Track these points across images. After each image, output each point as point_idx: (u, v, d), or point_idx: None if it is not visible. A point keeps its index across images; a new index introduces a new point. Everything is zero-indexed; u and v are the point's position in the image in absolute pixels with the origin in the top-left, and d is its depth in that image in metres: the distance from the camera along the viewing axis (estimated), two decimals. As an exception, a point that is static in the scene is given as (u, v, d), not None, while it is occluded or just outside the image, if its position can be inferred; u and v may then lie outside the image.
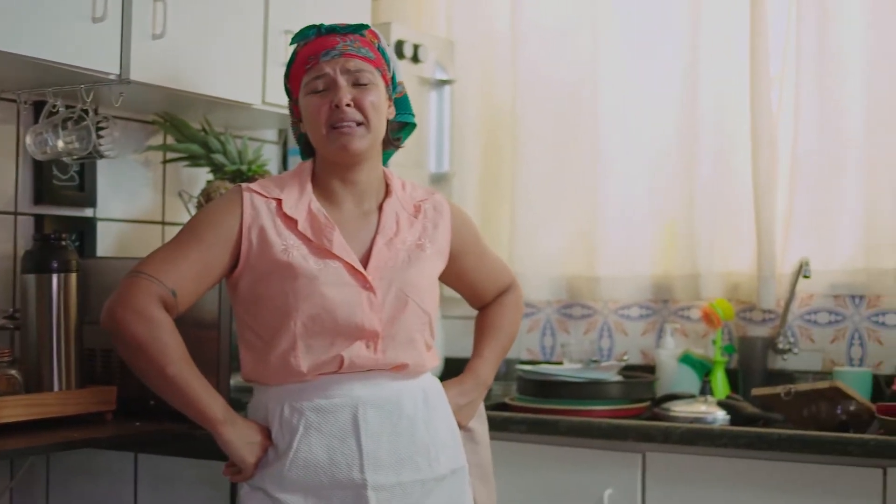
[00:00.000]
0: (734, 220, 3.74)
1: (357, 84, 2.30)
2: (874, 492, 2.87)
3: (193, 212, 3.24)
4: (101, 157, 3.01)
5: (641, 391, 3.50)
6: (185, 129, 3.26)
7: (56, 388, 2.77)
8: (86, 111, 2.94)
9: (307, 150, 2.43)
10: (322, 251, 2.26)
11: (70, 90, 2.90)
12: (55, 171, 3.16)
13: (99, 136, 2.99)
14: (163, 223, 3.48)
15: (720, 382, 3.65)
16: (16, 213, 3.09)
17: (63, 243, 2.84)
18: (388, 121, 2.39)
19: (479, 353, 2.58)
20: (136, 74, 2.84)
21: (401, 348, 2.29)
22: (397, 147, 2.51)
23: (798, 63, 3.63)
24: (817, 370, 3.64)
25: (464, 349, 2.68)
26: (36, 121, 2.99)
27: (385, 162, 2.48)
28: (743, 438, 3.03)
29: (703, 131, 3.76)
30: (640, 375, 3.64)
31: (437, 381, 2.43)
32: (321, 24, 2.35)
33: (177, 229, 2.41)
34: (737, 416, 3.28)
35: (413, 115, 2.50)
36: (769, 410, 3.30)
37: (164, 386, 2.21)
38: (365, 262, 2.29)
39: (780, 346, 3.66)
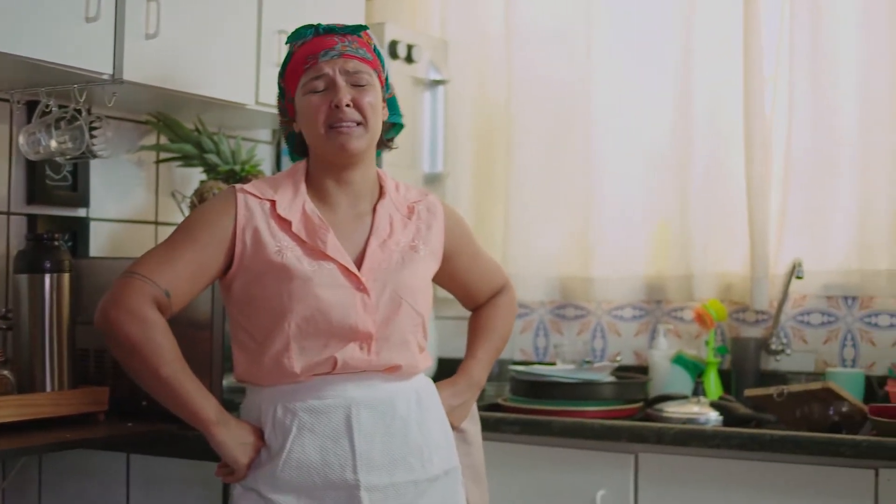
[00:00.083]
0: (727, 220, 3.75)
1: (356, 85, 2.31)
2: (866, 493, 2.87)
3: (187, 212, 3.24)
4: (95, 156, 3.01)
5: (634, 392, 3.50)
6: (179, 129, 3.26)
7: (48, 388, 2.76)
8: (79, 111, 2.94)
9: (298, 150, 2.43)
10: (316, 252, 2.26)
11: (63, 90, 2.89)
12: (48, 171, 3.15)
13: (92, 136, 2.98)
14: (156, 223, 3.48)
15: (713, 383, 3.65)
16: (8, 213, 3.08)
17: (56, 243, 2.83)
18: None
19: (472, 354, 2.59)
20: (129, 74, 2.84)
21: (394, 350, 2.30)
22: (390, 148, 2.51)
23: (791, 63, 3.63)
24: (810, 371, 3.65)
25: (457, 350, 2.68)
26: (29, 120, 2.99)
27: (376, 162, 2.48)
28: (735, 439, 3.03)
29: (696, 132, 3.76)
30: (632, 376, 3.64)
31: (431, 382, 2.44)
32: (319, 24, 2.35)
33: (170, 229, 2.41)
34: (729, 417, 3.28)
35: (401, 116, 2.50)
36: (762, 411, 3.30)
37: (158, 387, 2.21)
38: (359, 263, 2.29)
39: (773, 346, 3.66)
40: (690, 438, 3.09)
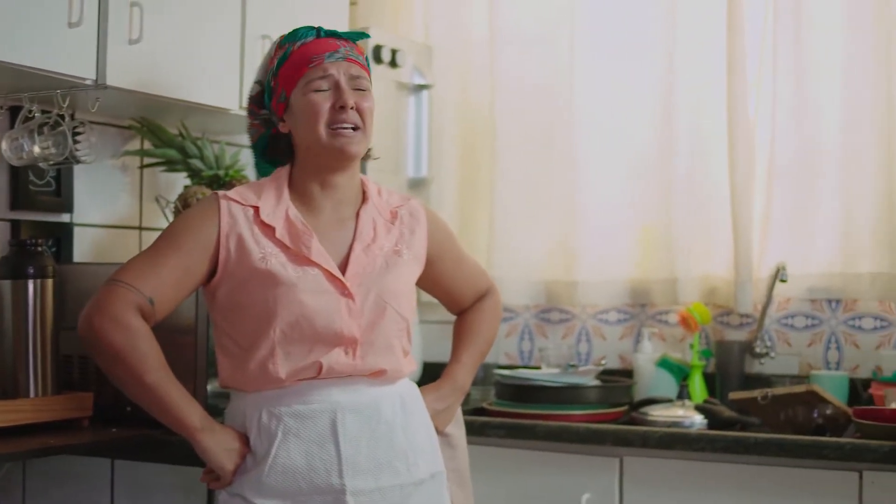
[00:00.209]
0: (711, 224, 3.76)
1: (357, 89, 2.31)
2: (850, 495, 2.88)
3: (171, 217, 3.23)
4: (78, 162, 3.01)
5: (619, 395, 3.51)
6: (163, 134, 3.26)
7: (32, 394, 2.76)
8: (62, 116, 2.93)
9: (275, 153, 2.41)
10: (300, 258, 2.26)
11: (46, 95, 2.89)
12: (31, 177, 3.14)
13: (75, 142, 2.98)
14: (140, 228, 3.47)
15: (697, 386, 3.66)
16: (-8, 219, 3.08)
17: (39, 249, 2.82)
18: None
19: (456, 359, 2.59)
20: (112, 79, 2.84)
21: (379, 354, 2.29)
22: (371, 158, 2.50)
23: (775, 68, 3.65)
24: (794, 374, 3.66)
25: (442, 354, 2.68)
26: (12, 126, 2.98)
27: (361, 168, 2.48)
28: (720, 442, 3.04)
29: (680, 136, 3.77)
30: (617, 380, 3.64)
31: (415, 386, 2.44)
32: (320, 27, 2.36)
33: (154, 235, 2.40)
34: (714, 420, 3.28)
35: None
36: (746, 414, 3.31)
37: (142, 394, 2.21)
38: (343, 268, 2.29)
39: (758, 350, 3.67)
40: (675, 442, 3.09)
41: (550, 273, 4.00)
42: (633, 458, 3.15)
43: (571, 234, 3.94)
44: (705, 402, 3.42)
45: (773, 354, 3.68)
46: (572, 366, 3.69)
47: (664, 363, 3.70)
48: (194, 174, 3.24)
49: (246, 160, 3.68)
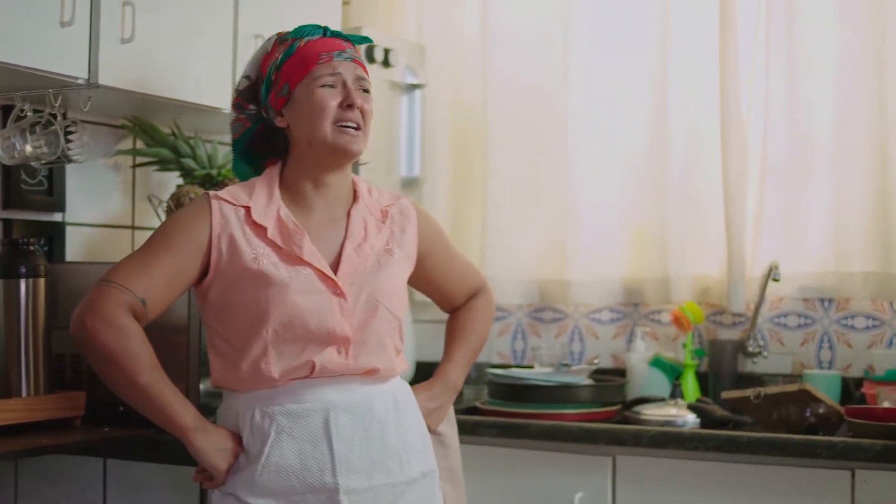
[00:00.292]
0: (704, 223, 3.76)
1: (361, 90, 2.33)
2: (843, 494, 2.89)
3: (163, 216, 3.23)
4: (70, 161, 3.00)
5: (612, 394, 3.51)
6: (155, 133, 3.25)
7: (24, 393, 2.75)
8: (54, 115, 2.92)
9: (265, 148, 2.40)
10: (292, 258, 2.26)
11: (38, 94, 2.88)
12: (24, 176, 3.14)
13: (68, 141, 2.97)
14: (132, 228, 3.47)
15: (690, 386, 3.66)
16: (-16, 218, 3.08)
17: (31, 248, 2.82)
18: None
19: (448, 357, 2.59)
20: (104, 79, 2.83)
21: (372, 353, 2.30)
22: (360, 163, 2.50)
23: (767, 66, 3.65)
24: (787, 373, 3.66)
25: (435, 353, 2.68)
26: (4, 125, 2.97)
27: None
28: (713, 441, 3.04)
29: (673, 135, 3.77)
30: (610, 379, 3.65)
31: (407, 385, 2.44)
32: (326, 27, 2.37)
33: (146, 234, 2.39)
34: (707, 419, 3.29)
35: None
36: (739, 413, 3.31)
37: (135, 395, 2.20)
38: (335, 267, 2.29)
39: (750, 349, 3.67)
40: (668, 441, 3.09)
41: (543, 272, 4.01)
42: (626, 457, 3.16)
43: (564, 234, 3.94)
44: (698, 401, 3.42)
45: (765, 353, 3.68)
46: (565, 365, 3.70)
47: (657, 362, 3.70)
48: (187, 173, 3.23)
49: (238, 159, 3.69)
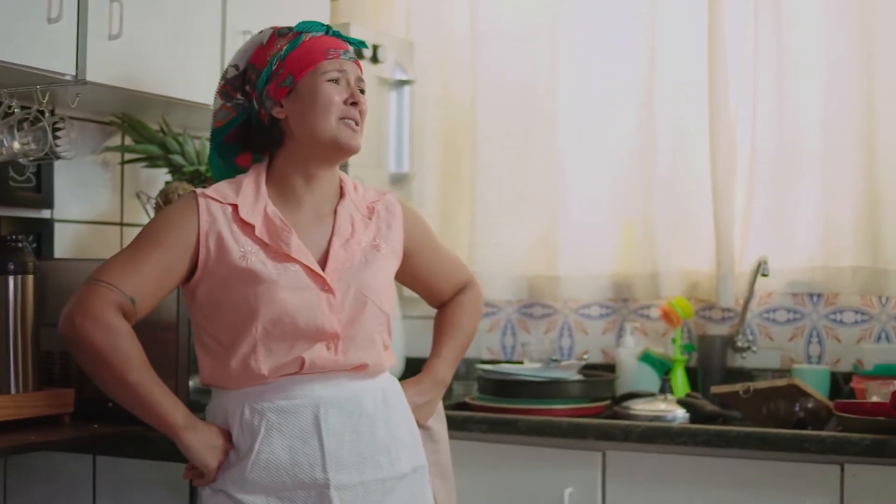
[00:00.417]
0: (693, 219, 3.76)
1: (359, 90, 2.35)
2: (832, 488, 2.89)
3: (152, 213, 3.22)
4: (58, 158, 3.00)
5: (601, 390, 3.51)
6: (143, 129, 3.25)
7: (13, 390, 2.74)
8: (42, 112, 2.92)
9: (253, 139, 2.40)
10: (280, 255, 2.26)
11: (26, 91, 2.87)
12: (11, 173, 3.13)
13: (55, 137, 2.97)
14: (121, 224, 3.46)
15: (680, 381, 3.66)
16: (-28, 215, 3.07)
17: (20, 245, 2.81)
18: None
19: (437, 353, 2.59)
20: (92, 75, 2.83)
21: (361, 349, 2.30)
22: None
23: (756, 63, 3.65)
24: (776, 368, 3.67)
25: (424, 349, 2.68)
26: (-9, 122, 2.97)
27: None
28: (702, 436, 3.04)
29: (661, 131, 3.78)
30: (600, 374, 3.65)
31: (396, 380, 2.44)
32: (329, 26, 2.38)
33: (135, 231, 2.39)
34: (696, 414, 3.29)
35: None
36: (728, 408, 3.32)
37: (125, 393, 2.20)
38: (322, 264, 2.29)
39: (739, 344, 3.68)
40: (657, 436, 3.10)
41: (532, 268, 4.01)
42: (616, 452, 3.16)
43: (553, 229, 3.94)
44: (687, 396, 3.43)
45: (754, 348, 3.69)
46: (555, 360, 3.70)
47: (646, 357, 3.70)
48: (175, 170, 3.23)
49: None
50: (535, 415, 3.30)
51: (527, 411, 3.33)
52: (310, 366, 2.24)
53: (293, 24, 2.39)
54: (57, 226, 3.28)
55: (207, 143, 3.26)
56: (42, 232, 3.22)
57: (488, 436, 3.30)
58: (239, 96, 2.40)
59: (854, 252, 3.53)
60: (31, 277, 2.80)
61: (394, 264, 2.43)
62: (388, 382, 2.39)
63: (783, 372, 3.60)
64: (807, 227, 3.62)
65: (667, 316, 3.70)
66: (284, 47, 2.33)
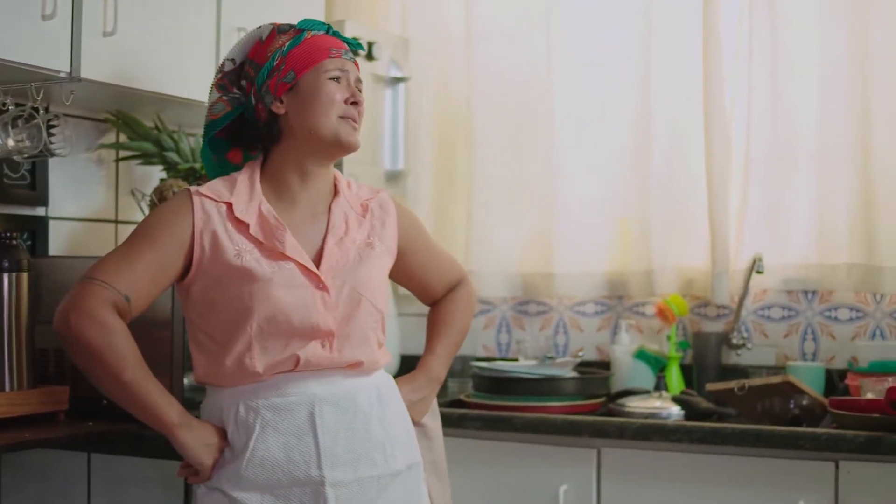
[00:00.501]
0: (688, 216, 3.76)
1: (358, 91, 2.36)
2: (826, 485, 2.89)
3: (147, 210, 3.22)
4: (53, 155, 3.00)
5: (596, 387, 3.51)
6: (138, 126, 3.24)
7: (7, 388, 2.74)
8: (36, 109, 2.91)
9: (248, 134, 2.40)
10: (274, 253, 2.26)
11: (20, 88, 2.87)
12: (6, 170, 3.13)
13: (50, 135, 2.97)
14: (116, 222, 3.46)
15: (675, 378, 3.67)
16: (-34, 213, 3.07)
17: (14, 242, 2.81)
18: None
19: (430, 350, 2.59)
20: (86, 72, 2.82)
21: (355, 346, 2.30)
22: None
23: (751, 60, 3.65)
24: (771, 365, 3.67)
25: (419, 346, 2.68)
26: (-15, 119, 2.97)
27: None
28: (697, 433, 3.04)
29: (656, 129, 3.78)
30: (595, 371, 3.65)
31: (390, 377, 2.44)
32: (329, 26, 2.39)
33: (130, 228, 2.39)
34: (691, 412, 3.29)
35: None
36: (723, 405, 3.32)
37: (120, 392, 2.20)
38: (317, 262, 2.29)
39: (734, 341, 3.68)
40: (652, 433, 3.10)
41: (528, 265, 4.01)
42: (611, 449, 3.16)
43: (549, 227, 3.94)
44: (682, 393, 3.43)
45: (749, 345, 3.69)
46: (550, 358, 3.70)
47: (641, 355, 3.70)
48: (170, 167, 3.23)
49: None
50: (529, 412, 3.30)
51: (522, 408, 3.33)
52: (304, 363, 2.24)
53: (288, 20, 2.39)
54: (51, 223, 3.27)
55: (202, 140, 3.28)
56: (36, 229, 3.22)
57: (483, 433, 3.29)
58: (235, 90, 2.40)
59: (849, 249, 3.54)
60: (25, 275, 2.80)
61: (388, 262, 2.43)
62: (382, 380, 2.39)
63: (778, 369, 3.60)
64: (802, 224, 3.62)
65: (662, 313, 3.70)
66: (287, 43, 2.33)
